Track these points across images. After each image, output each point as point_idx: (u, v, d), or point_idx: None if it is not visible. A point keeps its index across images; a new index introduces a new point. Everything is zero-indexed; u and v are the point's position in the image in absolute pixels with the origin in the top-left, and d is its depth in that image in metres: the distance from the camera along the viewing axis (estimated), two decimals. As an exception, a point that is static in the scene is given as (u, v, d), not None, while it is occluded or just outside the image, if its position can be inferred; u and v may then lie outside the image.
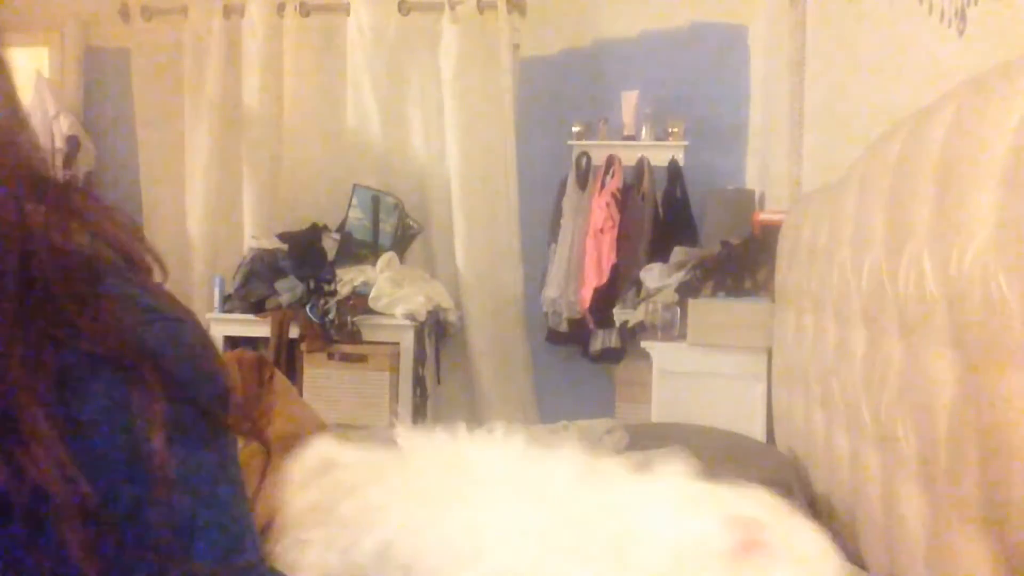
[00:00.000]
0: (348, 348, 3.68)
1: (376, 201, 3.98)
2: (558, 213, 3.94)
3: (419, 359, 3.79)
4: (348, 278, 3.83)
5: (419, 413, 3.79)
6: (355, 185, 4.00)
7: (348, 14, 4.11)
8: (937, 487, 1.19)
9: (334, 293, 3.78)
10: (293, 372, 3.73)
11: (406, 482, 0.90)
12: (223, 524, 0.48)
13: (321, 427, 2.01)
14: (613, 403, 3.40)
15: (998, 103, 1.07)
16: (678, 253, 3.33)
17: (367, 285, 3.77)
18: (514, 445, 0.91)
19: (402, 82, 4.11)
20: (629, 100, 3.90)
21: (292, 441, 1.86)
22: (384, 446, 0.96)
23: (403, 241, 4.11)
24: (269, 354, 3.74)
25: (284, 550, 0.88)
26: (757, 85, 3.91)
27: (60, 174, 0.51)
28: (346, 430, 2.66)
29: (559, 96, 4.10)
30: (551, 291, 3.88)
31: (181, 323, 0.49)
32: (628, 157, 3.89)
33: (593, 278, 3.76)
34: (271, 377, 1.92)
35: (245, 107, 4.18)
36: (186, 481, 0.46)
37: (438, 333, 3.98)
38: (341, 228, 4.01)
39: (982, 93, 1.14)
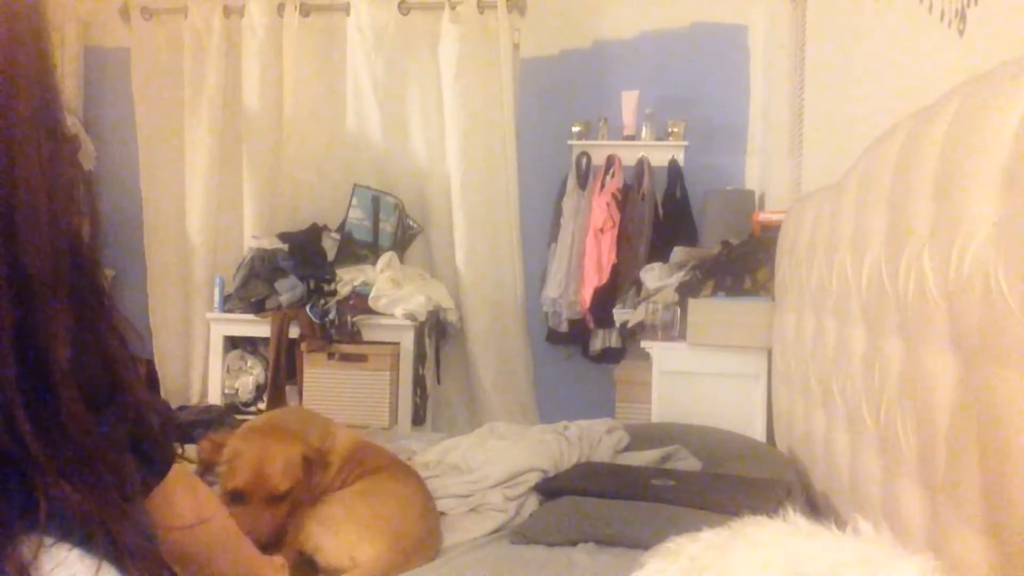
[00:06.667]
0: (348, 348, 3.67)
1: (376, 201, 3.98)
2: (558, 213, 3.94)
3: (419, 359, 3.79)
4: (348, 278, 3.82)
5: (419, 413, 3.79)
6: (355, 185, 4.00)
7: (348, 14, 4.11)
8: (937, 487, 1.18)
9: (334, 293, 3.78)
10: (293, 372, 3.74)
11: None
12: None
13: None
14: (613, 403, 3.39)
15: (998, 103, 1.07)
16: (678, 253, 3.33)
17: (367, 285, 3.77)
18: None
19: (402, 82, 4.11)
20: (629, 100, 3.90)
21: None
22: None
23: (403, 241, 4.11)
24: (269, 354, 3.74)
25: None
26: (757, 85, 3.92)
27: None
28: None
29: (559, 96, 4.10)
30: (551, 291, 3.87)
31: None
32: (628, 157, 3.89)
33: (593, 278, 3.75)
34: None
35: (245, 107, 4.18)
36: None
37: (438, 333, 3.98)
38: (341, 228, 4.01)
39: (982, 93, 1.14)
